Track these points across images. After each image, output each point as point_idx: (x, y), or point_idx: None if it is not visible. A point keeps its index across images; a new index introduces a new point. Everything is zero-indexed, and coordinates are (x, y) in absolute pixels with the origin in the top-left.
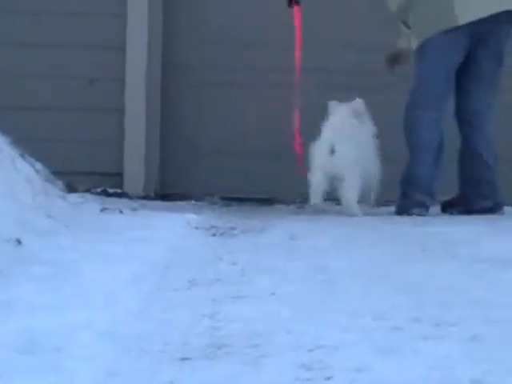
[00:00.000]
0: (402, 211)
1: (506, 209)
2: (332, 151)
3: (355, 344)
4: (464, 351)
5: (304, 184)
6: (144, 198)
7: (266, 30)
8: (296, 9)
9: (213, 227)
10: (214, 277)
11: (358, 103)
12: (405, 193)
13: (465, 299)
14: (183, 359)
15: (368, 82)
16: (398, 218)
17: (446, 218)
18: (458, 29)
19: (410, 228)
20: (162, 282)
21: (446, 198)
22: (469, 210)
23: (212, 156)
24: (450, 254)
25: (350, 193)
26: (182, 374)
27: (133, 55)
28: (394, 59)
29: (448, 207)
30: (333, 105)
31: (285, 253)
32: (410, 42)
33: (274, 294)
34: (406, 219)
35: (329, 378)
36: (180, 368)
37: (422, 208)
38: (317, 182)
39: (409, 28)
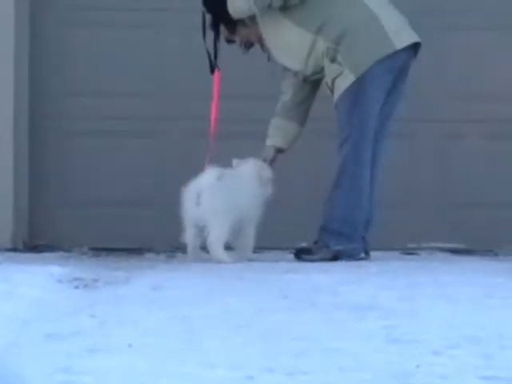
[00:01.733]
0: (347, 256)
1: (374, 253)
2: (197, 202)
3: None
4: None
5: (174, 232)
6: (12, 249)
7: (133, 81)
8: (216, 74)
9: (76, 279)
10: (72, 330)
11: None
12: (348, 235)
13: (320, 348)
14: None
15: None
16: (260, 265)
17: (309, 264)
18: (392, 57)
19: (272, 276)
20: (19, 336)
21: (302, 244)
22: (334, 256)
23: (81, 206)
24: (311, 302)
25: (213, 240)
26: None
27: None
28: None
29: (305, 254)
30: (235, 162)
31: (146, 304)
32: (282, 140)
33: (131, 346)
34: (268, 268)
35: None
36: None
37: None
38: (190, 236)
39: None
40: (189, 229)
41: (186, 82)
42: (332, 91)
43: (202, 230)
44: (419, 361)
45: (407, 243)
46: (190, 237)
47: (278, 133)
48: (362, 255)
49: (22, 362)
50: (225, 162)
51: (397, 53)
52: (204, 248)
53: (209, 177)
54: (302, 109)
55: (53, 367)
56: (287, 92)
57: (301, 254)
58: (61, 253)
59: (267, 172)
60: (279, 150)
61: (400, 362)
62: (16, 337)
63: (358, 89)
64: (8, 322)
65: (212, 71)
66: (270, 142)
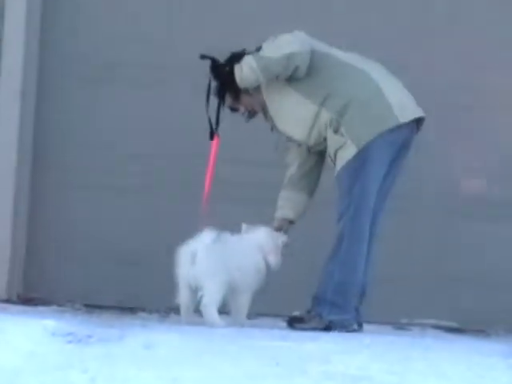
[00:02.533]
0: (339, 326)
1: (368, 326)
2: (193, 261)
3: None
4: None
5: (168, 292)
6: (6, 301)
7: (131, 134)
8: (215, 141)
9: (70, 334)
10: None
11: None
12: (341, 305)
13: None
14: None
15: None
16: (253, 331)
17: (301, 333)
18: (395, 130)
19: (264, 342)
20: None
21: (295, 312)
22: (327, 326)
23: (77, 261)
24: (302, 370)
25: (206, 303)
26: None
27: (2, 155)
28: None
29: (298, 323)
30: (245, 228)
31: (138, 362)
32: (291, 211)
33: None
34: (261, 334)
35: None
36: None
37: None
38: (184, 297)
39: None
40: (183, 289)
41: (183, 144)
42: (334, 162)
43: (195, 292)
44: None
45: (400, 318)
46: (183, 298)
47: (287, 204)
48: (355, 326)
49: None
50: (220, 227)
51: (400, 127)
52: (198, 310)
53: (205, 238)
54: (310, 179)
55: None
56: (293, 164)
57: (293, 323)
58: (54, 307)
59: (282, 239)
60: (289, 222)
61: None
62: None
63: (359, 161)
64: (0, 374)
65: (211, 137)
66: (279, 214)
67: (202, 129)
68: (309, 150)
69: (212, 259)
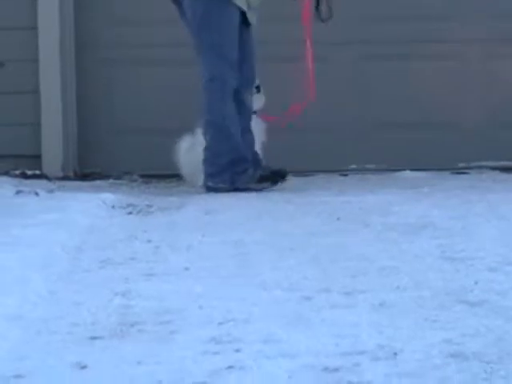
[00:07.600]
0: (216, 191)
1: (425, 174)
2: None
3: (264, 316)
4: (371, 318)
5: None
6: (63, 178)
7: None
8: None
9: (129, 205)
10: (128, 255)
11: None
12: (213, 174)
13: (374, 268)
14: (93, 338)
15: None
16: (310, 190)
17: (359, 187)
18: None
19: (322, 198)
20: (75, 263)
21: None
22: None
23: (131, 134)
24: (363, 223)
25: None
26: (91, 353)
27: (45, 35)
28: None
29: None
30: None
31: (200, 229)
32: None
33: (187, 270)
34: (318, 191)
35: (237, 351)
36: (89, 348)
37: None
38: None
39: None
40: None
41: None
42: None
43: None
44: (475, 278)
45: (457, 163)
46: None
47: None
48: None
49: (80, 288)
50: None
51: None
52: None
53: None
54: None
55: (111, 292)
56: None
57: None
58: (111, 180)
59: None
60: None
61: (456, 280)
62: (72, 264)
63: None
64: (64, 250)
65: None
66: None
67: None
68: None
69: None
